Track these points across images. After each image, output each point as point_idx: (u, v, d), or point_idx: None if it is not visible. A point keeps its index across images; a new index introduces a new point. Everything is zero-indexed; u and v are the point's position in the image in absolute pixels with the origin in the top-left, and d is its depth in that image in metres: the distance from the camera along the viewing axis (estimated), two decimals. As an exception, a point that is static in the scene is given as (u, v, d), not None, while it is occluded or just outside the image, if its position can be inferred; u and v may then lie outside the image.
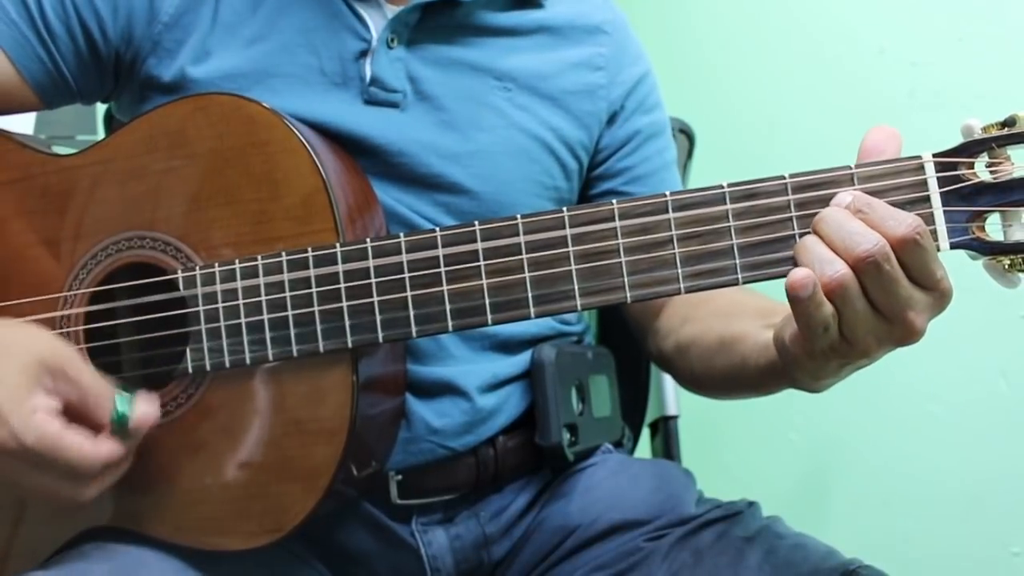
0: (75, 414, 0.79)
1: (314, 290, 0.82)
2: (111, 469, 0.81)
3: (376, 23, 0.98)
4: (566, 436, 0.99)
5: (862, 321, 0.70)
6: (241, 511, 0.85)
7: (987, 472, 1.60)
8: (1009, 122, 0.70)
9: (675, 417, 1.37)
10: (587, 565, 0.98)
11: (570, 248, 0.77)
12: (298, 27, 0.97)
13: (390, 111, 0.97)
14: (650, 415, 1.37)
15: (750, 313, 0.91)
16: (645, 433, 1.36)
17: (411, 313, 0.80)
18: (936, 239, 0.71)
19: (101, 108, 1.13)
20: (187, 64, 0.96)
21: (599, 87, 1.07)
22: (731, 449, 2.00)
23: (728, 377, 0.92)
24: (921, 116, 1.64)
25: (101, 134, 1.20)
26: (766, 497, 1.00)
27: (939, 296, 0.70)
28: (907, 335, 0.71)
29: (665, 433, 1.37)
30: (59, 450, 0.77)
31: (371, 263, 0.81)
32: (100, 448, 0.79)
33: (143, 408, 0.81)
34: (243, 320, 0.83)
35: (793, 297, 0.69)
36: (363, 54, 0.97)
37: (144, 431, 0.81)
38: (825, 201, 0.72)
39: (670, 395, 1.38)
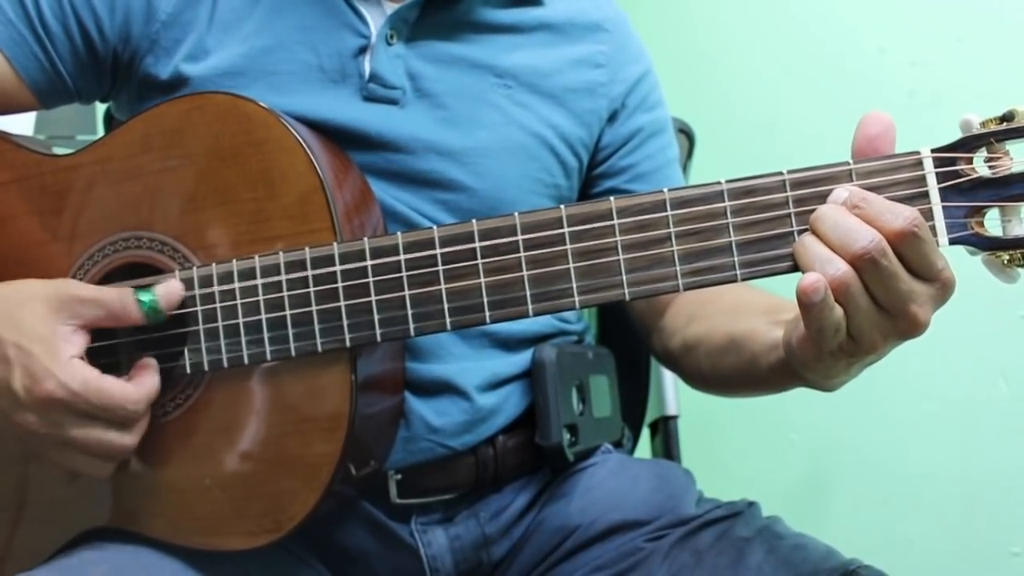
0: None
1: (312, 290, 0.82)
2: (147, 413, 0.83)
3: (375, 20, 0.98)
4: (566, 436, 0.99)
5: (866, 318, 0.70)
6: (240, 511, 0.85)
7: (987, 472, 1.60)
8: (1008, 117, 0.70)
9: (675, 417, 1.37)
10: (587, 566, 0.98)
11: (568, 246, 0.76)
12: (297, 24, 0.97)
13: (389, 108, 0.96)
14: (650, 415, 1.37)
15: (758, 311, 0.91)
16: (645, 433, 1.36)
17: (409, 312, 0.80)
18: (935, 235, 0.71)
19: (101, 108, 1.13)
20: (185, 62, 0.96)
21: (600, 85, 1.07)
22: (731, 449, 1.99)
23: (738, 376, 0.92)
24: (921, 116, 1.63)
25: (101, 134, 1.20)
26: (766, 497, 1.00)
27: (941, 287, 0.70)
28: (911, 328, 0.70)
29: (665, 433, 1.37)
30: (103, 392, 0.80)
31: (368, 263, 0.80)
32: (141, 384, 0.82)
33: (165, 289, 0.84)
34: (241, 320, 0.83)
35: (806, 303, 0.68)
36: (362, 51, 0.97)
37: (177, 304, 0.84)
38: (823, 197, 0.72)
39: (670, 395, 1.38)
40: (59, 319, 0.81)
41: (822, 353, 0.72)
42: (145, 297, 0.82)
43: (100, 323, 0.83)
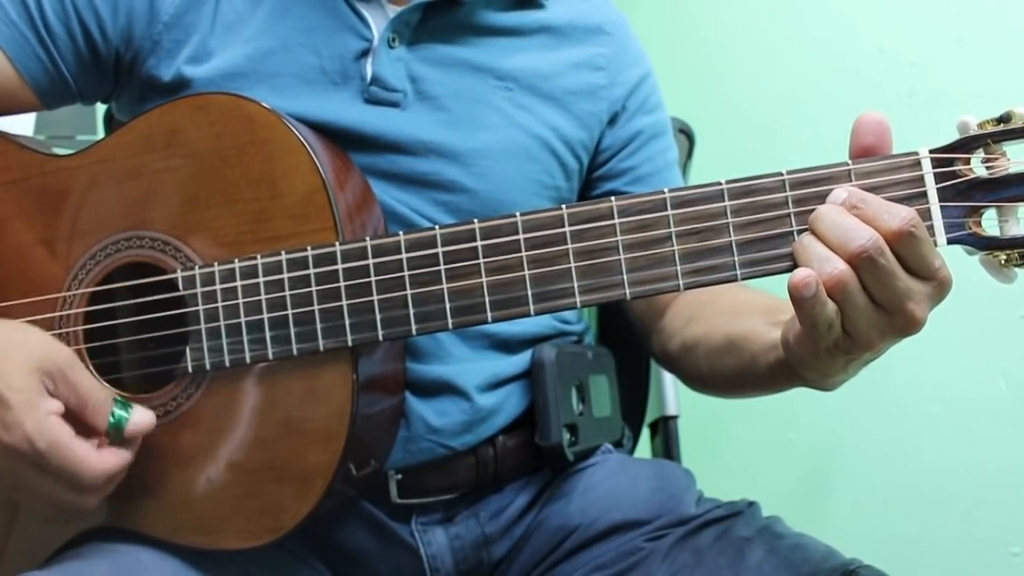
0: (72, 417, 0.80)
1: (314, 289, 0.82)
2: (112, 480, 0.82)
3: (377, 23, 0.98)
4: (566, 436, 0.99)
5: (863, 315, 0.70)
6: (240, 510, 0.85)
7: (987, 472, 1.60)
8: (1004, 118, 0.70)
9: (675, 417, 1.37)
10: (587, 565, 0.98)
11: (569, 245, 0.77)
12: (299, 27, 0.97)
13: (391, 110, 0.97)
14: (650, 415, 1.37)
15: (757, 311, 0.91)
16: (645, 433, 1.36)
17: (411, 311, 0.80)
18: (933, 235, 0.71)
19: (101, 108, 1.13)
20: (187, 64, 0.96)
21: (600, 87, 1.07)
22: (731, 449, 2.00)
23: (737, 376, 0.92)
24: (921, 116, 1.64)
25: (101, 134, 1.20)
26: (766, 497, 1.00)
27: (938, 285, 0.70)
28: (908, 326, 0.71)
29: (665, 433, 1.37)
30: (66, 459, 0.78)
31: (371, 261, 0.81)
32: (105, 460, 0.80)
33: (139, 416, 0.82)
34: (243, 319, 0.83)
35: (797, 298, 0.69)
36: (364, 53, 0.97)
37: (138, 439, 0.83)
38: (822, 197, 0.72)
39: (670, 395, 1.38)
40: (43, 381, 0.80)
41: (818, 349, 0.72)
42: (115, 418, 0.81)
43: (70, 407, 0.81)
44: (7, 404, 0.78)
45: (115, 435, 0.81)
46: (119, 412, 0.81)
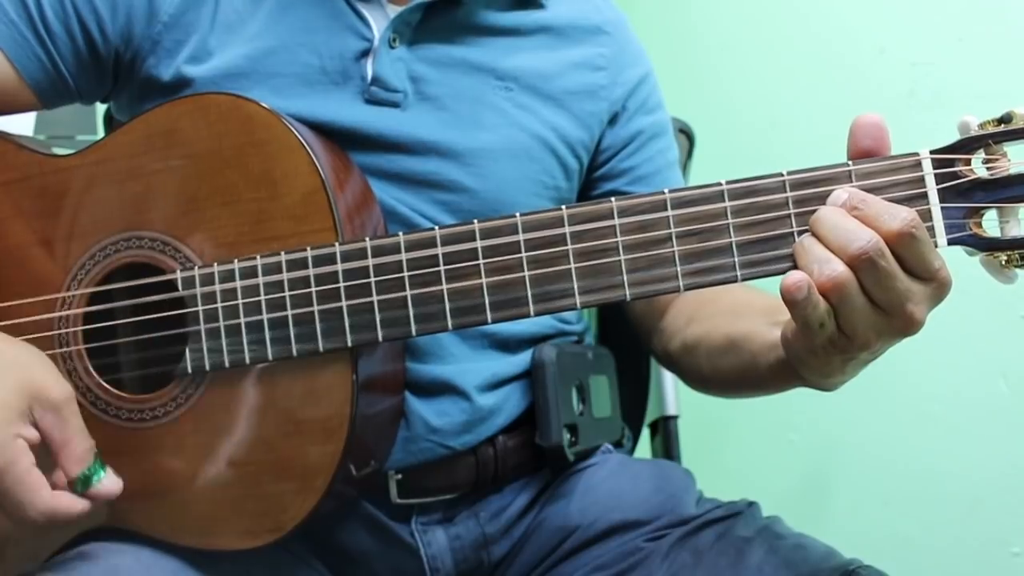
0: (46, 458, 0.79)
1: (313, 289, 0.82)
2: (53, 524, 0.80)
3: (378, 23, 0.98)
4: (566, 436, 0.99)
5: (861, 316, 0.70)
6: (240, 511, 0.85)
7: (987, 472, 1.60)
8: (1006, 118, 0.70)
9: (675, 417, 1.37)
10: (587, 566, 0.98)
11: (569, 246, 0.77)
12: (299, 27, 0.97)
13: (391, 110, 0.97)
14: (650, 415, 1.37)
15: (757, 311, 0.91)
16: (645, 433, 1.36)
17: (411, 312, 0.80)
18: (933, 235, 0.71)
19: (101, 108, 1.13)
20: (187, 64, 0.96)
21: (600, 87, 1.07)
22: (731, 449, 2.00)
23: (737, 376, 0.92)
24: (921, 116, 1.64)
25: (101, 134, 1.20)
26: (766, 497, 1.00)
27: (937, 286, 0.71)
28: (907, 327, 0.71)
29: (665, 433, 1.37)
30: (18, 483, 0.77)
31: (370, 262, 0.81)
32: (58, 501, 0.79)
33: (110, 480, 0.81)
34: (242, 320, 0.83)
35: (788, 300, 0.70)
36: (365, 54, 0.97)
37: (100, 502, 0.81)
38: (823, 198, 0.72)
39: (670, 395, 1.38)
40: (28, 407, 0.79)
41: (813, 346, 0.73)
42: (88, 471, 0.80)
43: (51, 443, 0.80)
44: None
45: (80, 487, 0.80)
46: (95, 467, 0.81)
